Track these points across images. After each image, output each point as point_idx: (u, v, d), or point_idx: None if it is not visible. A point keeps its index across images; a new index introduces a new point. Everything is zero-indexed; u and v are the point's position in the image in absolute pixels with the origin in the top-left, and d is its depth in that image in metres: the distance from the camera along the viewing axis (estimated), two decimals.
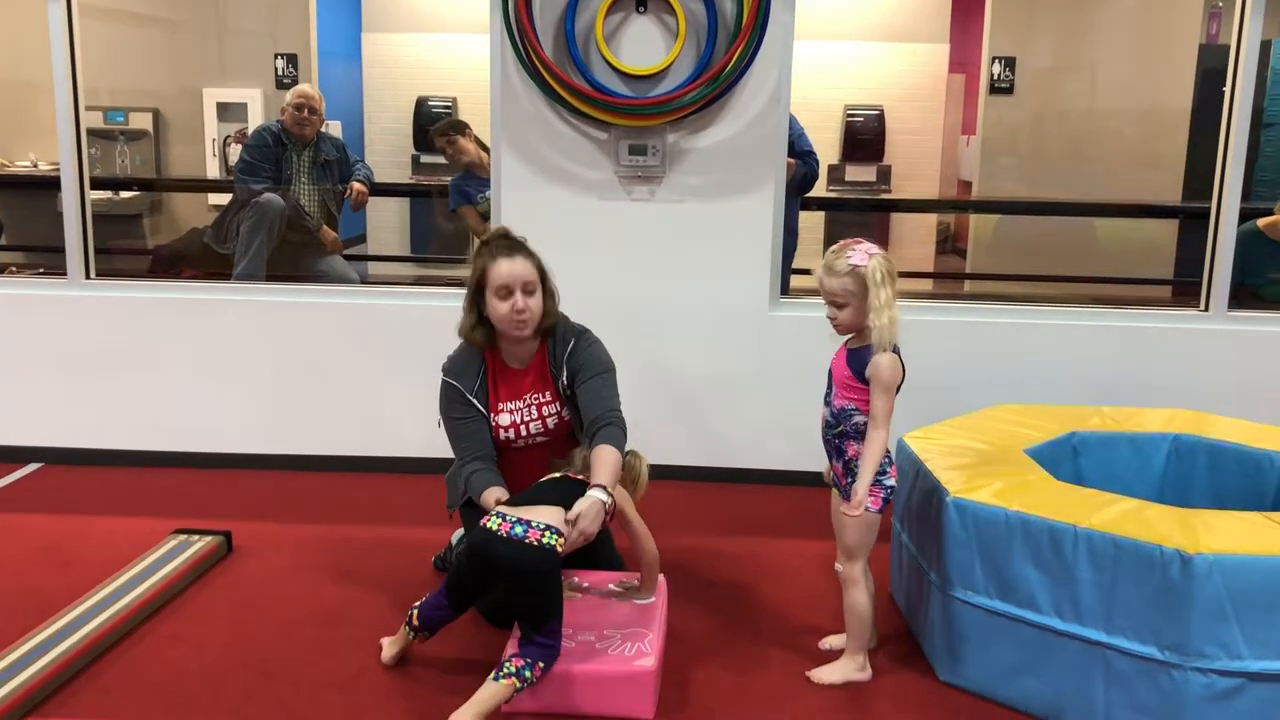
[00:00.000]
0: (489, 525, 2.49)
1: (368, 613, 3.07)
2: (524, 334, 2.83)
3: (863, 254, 2.54)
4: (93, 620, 2.87)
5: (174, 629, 2.96)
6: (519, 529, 2.46)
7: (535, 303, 2.79)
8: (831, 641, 2.89)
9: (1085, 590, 2.45)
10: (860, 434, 2.61)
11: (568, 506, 2.54)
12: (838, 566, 2.74)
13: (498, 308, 2.77)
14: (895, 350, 2.57)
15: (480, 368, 2.89)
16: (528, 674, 2.43)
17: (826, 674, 2.74)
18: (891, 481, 2.65)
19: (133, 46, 7.20)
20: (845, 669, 2.74)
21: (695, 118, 3.93)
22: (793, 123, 4.40)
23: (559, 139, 3.99)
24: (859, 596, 2.70)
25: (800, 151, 4.66)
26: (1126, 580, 2.39)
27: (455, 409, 2.88)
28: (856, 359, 2.60)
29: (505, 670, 2.43)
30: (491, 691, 2.41)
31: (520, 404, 2.91)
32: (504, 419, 2.89)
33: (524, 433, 2.94)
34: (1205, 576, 2.29)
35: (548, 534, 2.45)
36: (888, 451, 2.62)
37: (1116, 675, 2.44)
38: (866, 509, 2.60)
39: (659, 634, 2.68)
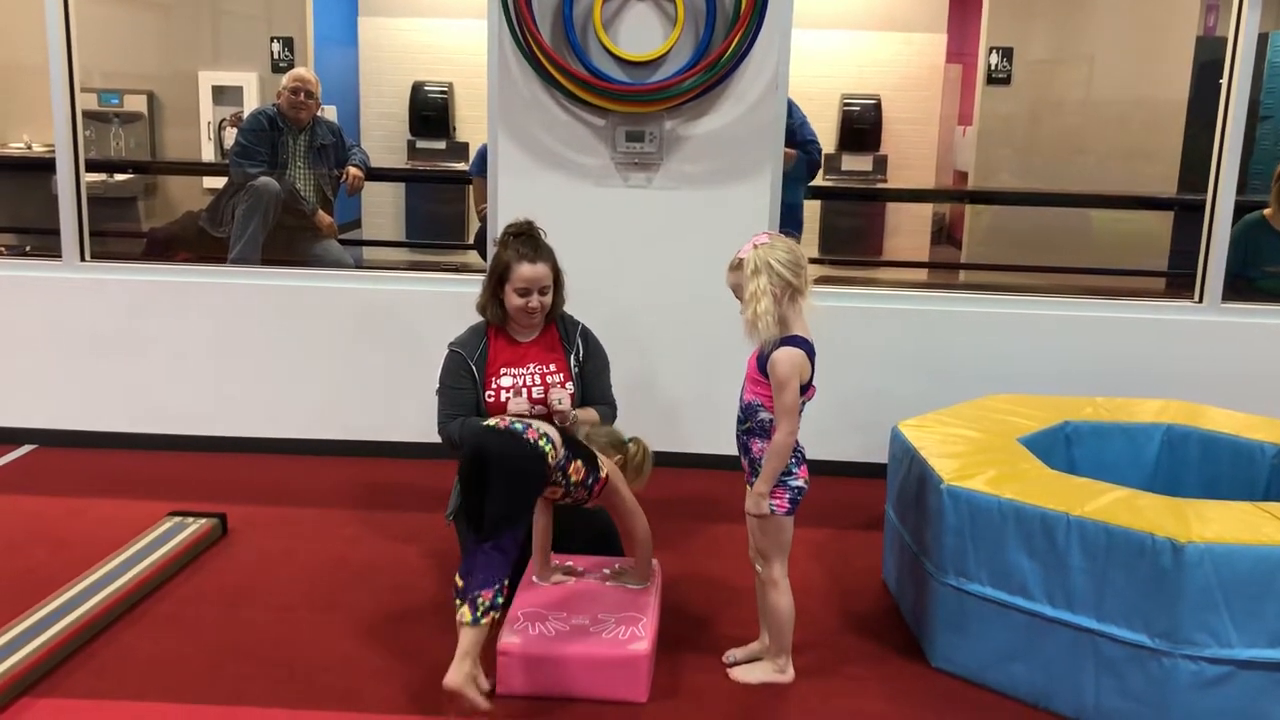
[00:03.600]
0: (489, 423, 2.63)
1: (362, 596, 3.08)
2: (533, 324, 3.12)
3: (750, 245, 2.48)
4: (87, 602, 2.88)
5: (169, 611, 2.97)
6: (518, 425, 2.57)
7: (547, 299, 3.08)
8: (735, 654, 2.73)
9: (1077, 578, 2.47)
10: (765, 431, 2.52)
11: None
12: (757, 568, 2.65)
13: (514, 300, 3.04)
14: (798, 343, 2.47)
15: (482, 341, 3.12)
16: (499, 599, 2.40)
17: (744, 674, 2.67)
18: (799, 482, 2.55)
19: (128, 29, 7.17)
20: (765, 671, 2.66)
21: (693, 104, 3.93)
22: (794, 111, 4.39)
23: (556, 125, 3.98)
24: (777, 599, 2.61)
25: (802, 141, 4.64)
26: (1118, 568, 2.41)
27: (452, 378, 3.09)
28: (762, 353, 2.51)
29: (481, 607, 2.37)
30: (475, 635, 2.38)
31: (524, 370, 3.10)
32: (505, 380, 3.07)
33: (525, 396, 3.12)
34: (1196, 565, 2.31)
35: (544, 439, 2.54)
36: (798, 450, 2.55)
37: (1106, 662, 2.45)
38: (772, 511, 2.54)
39: (653, 618, 2.70)
